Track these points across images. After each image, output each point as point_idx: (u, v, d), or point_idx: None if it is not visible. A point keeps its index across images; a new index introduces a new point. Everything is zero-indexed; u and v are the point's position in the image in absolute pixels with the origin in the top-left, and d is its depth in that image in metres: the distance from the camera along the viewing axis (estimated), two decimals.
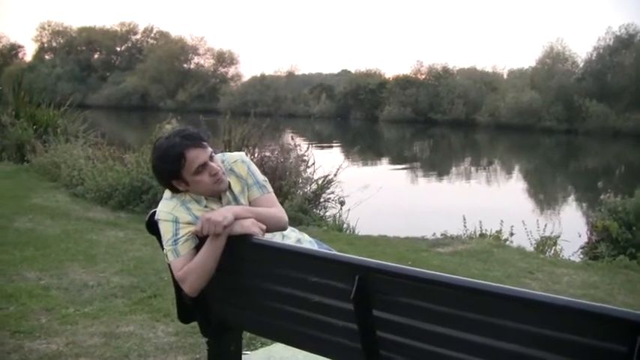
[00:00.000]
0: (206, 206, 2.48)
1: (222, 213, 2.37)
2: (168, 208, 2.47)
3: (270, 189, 2.61)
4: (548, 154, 35.72)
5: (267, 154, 9.00)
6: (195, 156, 2.39)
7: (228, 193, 2.52)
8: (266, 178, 2.63)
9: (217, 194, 2.50)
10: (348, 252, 4.07)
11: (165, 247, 2.44)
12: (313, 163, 9.27)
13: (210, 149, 2.45)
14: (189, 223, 2.43)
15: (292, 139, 9.87)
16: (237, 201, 2.52)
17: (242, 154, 2.65)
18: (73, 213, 8.06)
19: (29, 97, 15.30)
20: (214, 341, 2.66)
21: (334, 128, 51.40)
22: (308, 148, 9.64)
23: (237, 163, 2.57)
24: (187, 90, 67.39)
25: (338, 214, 8.87)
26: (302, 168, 9.05)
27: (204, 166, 2.41)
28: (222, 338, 2.66)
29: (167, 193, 2.52)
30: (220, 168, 2.46)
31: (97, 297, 4.67)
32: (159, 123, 9.65)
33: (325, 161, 9.90)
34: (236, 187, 2.54)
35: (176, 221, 2.43)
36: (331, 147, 31.52)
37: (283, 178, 8.46)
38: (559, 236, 7.84)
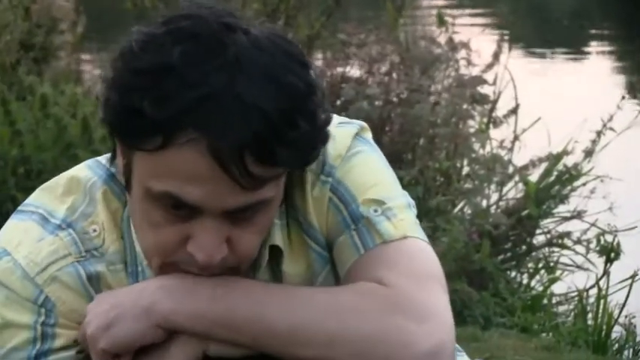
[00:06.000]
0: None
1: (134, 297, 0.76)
2: (32, 249, 0.78)
3: (406, 214, 0.82)
4: None
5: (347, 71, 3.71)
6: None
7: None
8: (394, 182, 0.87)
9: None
10: None
11: None
12: (514, 109, 3.57)
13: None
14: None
15: (444, 23, 3.75)
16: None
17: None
18: None
19: None
20: None
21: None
22: (496, 56, 3.66)
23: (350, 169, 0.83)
24: None
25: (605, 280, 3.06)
26: (474, 124, 3.50)
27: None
28: None
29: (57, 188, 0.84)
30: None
31: None
32: None
33: (554, 106, 4.42)
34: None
35: (42, 319, 0.78)
36: (583, 56, 9.69)
37: (413, 157, 3.33)
38: None
